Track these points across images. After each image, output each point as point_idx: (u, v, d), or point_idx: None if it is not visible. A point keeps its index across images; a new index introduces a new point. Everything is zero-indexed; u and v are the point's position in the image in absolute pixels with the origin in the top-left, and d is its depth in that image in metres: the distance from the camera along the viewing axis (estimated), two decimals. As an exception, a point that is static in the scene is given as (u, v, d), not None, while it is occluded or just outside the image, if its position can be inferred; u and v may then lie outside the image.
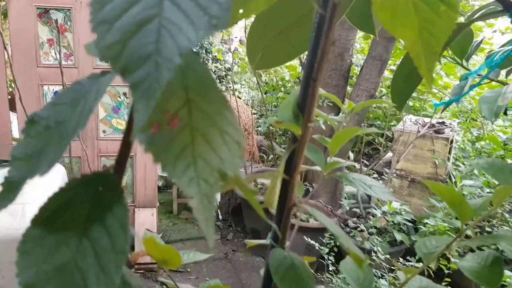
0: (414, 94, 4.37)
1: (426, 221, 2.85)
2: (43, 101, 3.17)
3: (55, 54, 3.09)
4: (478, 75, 1.31)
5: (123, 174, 0.30)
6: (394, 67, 4.49)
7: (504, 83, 1.27)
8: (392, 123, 4.69)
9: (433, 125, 3.77)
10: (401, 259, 2.52)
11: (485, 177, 3.53)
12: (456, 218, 2.93)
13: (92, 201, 0.27)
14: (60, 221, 0.27)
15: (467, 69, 1.30)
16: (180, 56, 0.21)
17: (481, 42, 1.32)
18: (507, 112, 1.43)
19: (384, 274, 2.35)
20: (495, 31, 4.62)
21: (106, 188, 0.27)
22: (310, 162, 0.64)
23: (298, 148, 0.41)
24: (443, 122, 3.83)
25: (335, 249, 2.93)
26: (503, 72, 1.40)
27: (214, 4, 0.21)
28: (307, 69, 0.40)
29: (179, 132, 0.25)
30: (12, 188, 0.26)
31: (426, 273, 2.05)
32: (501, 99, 1.16)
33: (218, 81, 6.45)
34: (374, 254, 2.66)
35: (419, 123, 3.87)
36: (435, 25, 0.33)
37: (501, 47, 1.41)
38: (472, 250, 2.58)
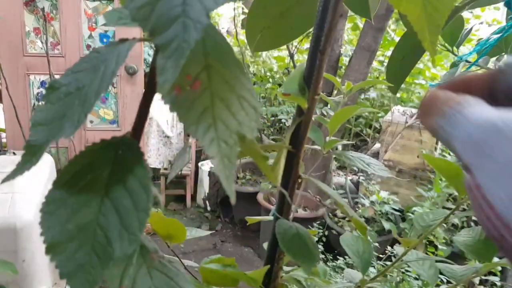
0: (402, 85, 4.40)
1: (414, 209, 2.89)
2: (30, 90, 3.14)
3: (42, 43, 3.06)
4: (467, 61, 1.34)
5: (140, 139, 0.30)
6: (382, 58, 4.52)
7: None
8: (380, 114, 4.73)
9: (420, 116, 3.78)
10: (389, 248, 2.55)
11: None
12: (444, 207, 2.97)
13: (112, 164, 0.28)
14: (82, 183, 0.27)
15: (456, 55, 1.32)
16: (207, 16, 0.21)
17: (471, 30, 1.34)
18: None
19: (373, 262, 2.38)
20: (481, 22, 4.67)
21: (125, 151, 0.28)
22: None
23: (305, 121, 0.42)
24: (430, 113, 3.86)
25: (324, 239, 2.97)
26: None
27: (240, -33, 0.22)
28: (313, 43, 0.41)
29: (200, 95, 0.26)
30: (35, 151, 0.27)
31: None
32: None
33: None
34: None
35: (407, 114, 3.91)
36: (439, -1, 0.34)
37: (491, 35, 1.43)
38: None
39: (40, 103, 3.21)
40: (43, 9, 3.01)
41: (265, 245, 0.49)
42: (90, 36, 3.15)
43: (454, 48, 1.31)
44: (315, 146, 0.58)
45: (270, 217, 0.50)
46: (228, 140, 0.25)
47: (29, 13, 3.02)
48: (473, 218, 2.87)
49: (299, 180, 0.45)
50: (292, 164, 0.44)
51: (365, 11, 0.80)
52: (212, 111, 0.26)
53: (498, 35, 1.32)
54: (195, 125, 0.25)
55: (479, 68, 1.30)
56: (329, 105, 4.20)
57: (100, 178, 0.27)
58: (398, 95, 4.80)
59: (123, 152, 0.28)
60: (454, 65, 1.36)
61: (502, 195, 0.25)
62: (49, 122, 0.28)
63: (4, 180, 0.27)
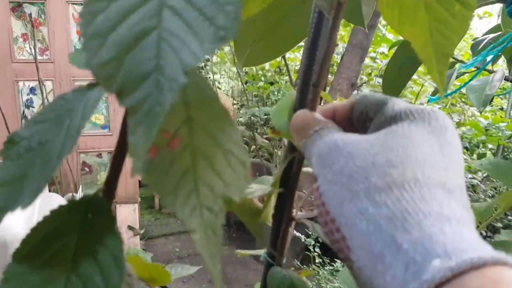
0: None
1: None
2: (19, 97, 3.08)
3: (30, 49, 3.00)
4: (462, 62, 1.31)
5: (113, 198, 0.27)
6: (374, 54, 4.49)
7: (490, 71, 1.27)
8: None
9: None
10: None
11: (466, 162, 3.53)
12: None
13: (80, 231, 0.24)
14: (45, 256, 0.24)
15: (453, 57, 1.29)
16: (185, 74, 0.18)
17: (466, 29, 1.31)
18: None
19: None
20: (473, 15, 4.65)
21: (95, 215, 0.25)
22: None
23: (298, 159, 0.38)
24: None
25: (320, 240, 2.93)
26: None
27: (221, 12, 0.18)
28: (304, 73, 0.37)
29: (179, 154, 0.22)
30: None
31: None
32: (488, 87, 1.16)
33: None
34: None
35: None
36: (448, 26, 0.31)
37: (484, 34, 1.41)
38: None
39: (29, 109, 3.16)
40: (30, 15, 2.95)
41: (257, 286, 0.45)
42: (79, 41, 3.10)
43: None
44: (308, 168, 0.54)
45: (260, 251, 0.46)
46: (213, 206, 0.22)
47: (16, 19, 2.96)
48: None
49: (292, 222, 0.41)
50: (284, 204, 0.41)
51: (359, 19, 0.76)
52: (194, 172, 0.22)
53: (492, 34, 1.30)
54: (172, 194, 0.21)
55: (476, 69, 1.27)
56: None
57: (66, 249, 0.24)
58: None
59: (93, 215, 0.24)
60: (450, 66, 1.33)
61: (334, 200, 0.29)
62: (7, 184, 0.24)
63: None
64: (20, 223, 1.88)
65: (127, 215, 3.48)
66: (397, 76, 0.67)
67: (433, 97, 1.09)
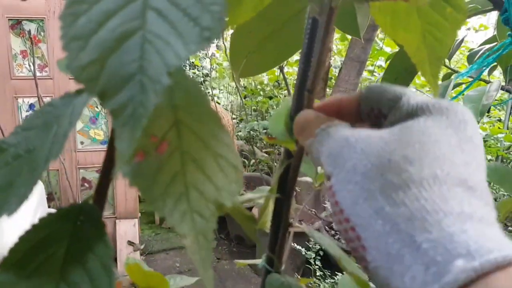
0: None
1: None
2: (18, 114, 3.08)
3: (29, 65, 3.01)
4: (455, 71, 1.31)
5: (104, 205, 0.26)
6: (371, 68, 4.51)
7: (487, 82, 1.27)
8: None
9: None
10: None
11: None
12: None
13: (70, 239, 0.24)
14: (34, 264, 0.23)
15: (450, 68, 1.30)
16: (169, 75, 0.17)
17: (462, 41, 1.32)
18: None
19: None
20: (469, 28, 4.69)
21: (85, 223, 0.24)
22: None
23: (294, 165, 0.38)
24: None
25: (321, 253, 2.92)
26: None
27: (206, 13, 0.18)
28: (300, 79, 0.37)
29: (168, 158, 0.22)
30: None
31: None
32: (485, 97, 1.16)
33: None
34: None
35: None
36: (441, 29, 0.31)
37: (481, 45, 1.41)
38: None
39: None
40: (29, 32, 2.96)
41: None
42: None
43: (446, 60, 1.28)
44: (307, 178, 0.54)
45: (259, 260, 0.46)
46: (204, 211, 0.21)
47: (15, 36, 2.98)
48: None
49: (290, 229, 0.41)
50: (281, 210, 0.40)
51: (355, 30, 0.76)
52: (184, 176, 0.22)
53: (488, 45, 1.30)
54: (161, 200, 0.21)
55: (471, 78, 1.28)
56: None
57: (55, 257, 0.23)
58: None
59: (82, 223, 0.24)
60: (447, 77, 1.33)
61: (348, 199, 0.28)
62: (-6, 192, 0.23)
63: None
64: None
65: (127, 230, 3.46)
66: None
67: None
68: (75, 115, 0.23)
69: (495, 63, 1.24)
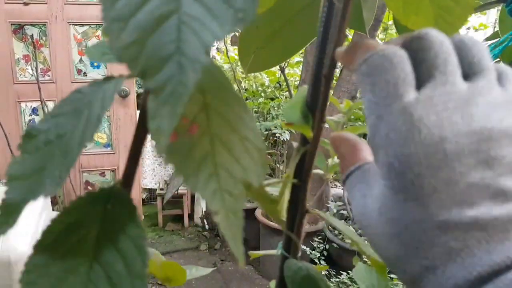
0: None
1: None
2: (21, 118, 3.09)
3: (32, 70, 3.02)
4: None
5: (132, 189, 0.27)
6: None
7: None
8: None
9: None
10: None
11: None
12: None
13: (101, 222, 0.24)
14: (67, 246, 0.24)
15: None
16: (206, 53, 0.18)
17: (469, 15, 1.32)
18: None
19: (377, 276, 2.33)
20: (469, 28, 4.70)
21: (116, 206, 0.25)
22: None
23: (310, 151, 0.39)
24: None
25: (325, 253, 2.92)
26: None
27: (238, -5, 0.19)
28: (316, 66, 0.38)
29: (198, 139, 0.22)
30: (11, 212, 0.23)
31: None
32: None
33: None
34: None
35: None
36: (452, 12, 0.31)
37: (483, 41, 1.42)
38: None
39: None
40: (32, 36, 2.98)
41: (272, 285, 0.45)
42: (81, 61, 3.13)
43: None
44: (317, 170, 0.54)
45: (273, 251, 0.47)
46: (233, 190, 0.22)
47: (18, 41, 2.99)
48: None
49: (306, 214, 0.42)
50: (298, 197, 0.41)
51: (360, 25, 0.77)
52: (213, 157, 0.23)
53: (490, 41, 1.31)
54: (194, 176, 0.21)
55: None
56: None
57: (87, 239, 0.24)
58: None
59: (113, 206, 0.25)
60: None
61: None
62: (26, 177, 0.24)
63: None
64: (24, 242, 1.88)
65: (130, 233, 3.47)
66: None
67: None
68: (107, 99, 0.24)
69: (498, 59, 1.24)
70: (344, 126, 0.66)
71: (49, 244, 0.24)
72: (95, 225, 0.24)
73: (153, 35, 0.19)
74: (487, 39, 1.36)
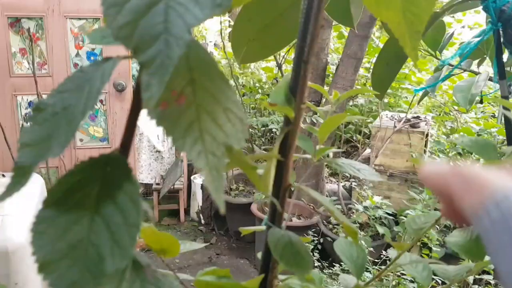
0: (389, 91, 4.45)
1: (407, 212, 2.92)
2: (18, 111, 3.12)
3: (28, 63, 3.05)
4: (450, 65, 1.36)
5: (129, 155, 0.31)
6: (368, 65, 4.56)
7: (475, 73, 1.31)
8: (368, 120, 4.76)
9: (408, 120, 3.84)
10: (384, 252, 2.55)
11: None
12: (435, 209, 2.99)
13: (101, 181, 0.28)
14: (71, 202, 0.27)
15: (440, 60, 1.34)
16: (189, 32, 0.22)
17: (452, 34, 1.36)
18: (482, 100, 1.48)
19: (368, 267, 2.38)
20: (463, 26, 4.74)
21: (114, 168, 0.28)
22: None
23: (292, 130, 0.42)
24: (418, 117, 3.91)
25: (319, 246, 2.97)
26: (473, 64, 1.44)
27: (218, -16, 0.23)
28: (297, 53, 0.42)
29: (185, 109, 0.26)
30: (24, 173, 0.27)
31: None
32: (474, 87, 1.20)
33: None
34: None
35: (395, 119, 3.94)
36: (418, 5, 0.35)
37: (473, 38, 1.46)
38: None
39: (27, 124, 3.18)
40: (28, 30, 3.00)
41: (259, 255, 0.49)
42: (77, 55, 3.15)
43: (437, 52, 1.33)
44: (306, 155, 0.58)
45: (263, 227, 0.50)
46: (216, 151, 0.26)
47: (14, 34, 3.01)
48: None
49: (291, 189, 0.45)
50: (282, 173, 0.45)
51: (348, 20, 0.81)
52: (199, 124, 0.26)
53: (479, 38, 1.35)
54: (182, 139, 0.25)
55: (462, 71, 1.32)
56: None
57: (89, 195, 0.28)
58: (386, 100, 4.84)
59: (112, 169, 0.28)
60: (438, 69, 1.38)
61: None
62: (36, 143, 0.28)
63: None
64: (22, 233, 1.91)
65: (126, 226, 3.50)
66: (385, 72, 0.72)
67: (417, 89, 1.14)
68: (106, 75, 0.27)
69: (485, 55, 1.28)
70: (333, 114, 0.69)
71: (56, 200, 0.28)
72: (96, 184, 0.28)
73: (144, 17, 0.22)
74: (476, 36, 1.40)
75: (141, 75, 0.24)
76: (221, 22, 4.87)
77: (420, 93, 1.47)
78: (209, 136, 0.26)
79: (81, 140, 3.29)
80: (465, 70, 1.34)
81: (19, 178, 0.27)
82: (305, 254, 0.43)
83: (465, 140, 0.56)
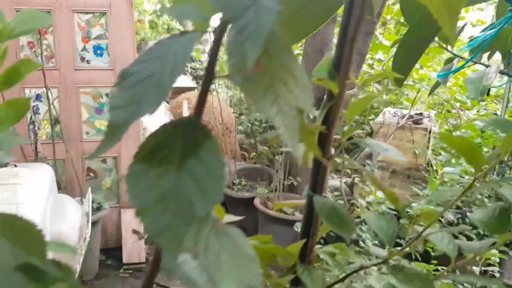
0: (390, 88, 4.49)
1: (413, 205, 2.96)
2: (26, 104, 3.14)
3: (36, 56, 3.08)
4: (461, 57, 1.40)
5: (201, 117, 0.34)
6: (371, 61, 4.60)
7: (486, 65, 1.35)
8: (370, 117, 4.80)
9: (411, 116, 3.87)
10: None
11: (461, 165, 3.69)
12: (438, 205, 3.02)
13: (183, 140, 0.32)
14: (158, 158, 0.31)
15: (452, 53, 1.38)
16: (278, 2, 0.25)
17: (464, 27, 1.40)
18: (489, 92, 1.52)
19: (372, 259, 2.42)
20: (466, 23, 4.77)
21: (193, 129, 0.32)
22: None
23: (336, 104, 0.46)
24: (421, 113, 3.94)
25: (321, 241, 3.00)
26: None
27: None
28: (342, 32, 0.45)
29: (262, 75, 0.30)
30: (117, 131, 0.30)
31: (413, 256, 2.13)
32: (485, 79, 1.24)
33: (195, 81, 6.49)
34: (362, 243, 2.75)
35: (398, 115, 3.97)
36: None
37: (482, 31, 1.50)
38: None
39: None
40: (38, 23, 3.02)
41: (298, 225, 0.53)
42: (84, 49, 3.18)
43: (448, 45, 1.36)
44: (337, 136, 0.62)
45: (301, 201, 0.54)
46: (290, 112, 0.29)
47: (23, 27, 3.03)
48: (468, 214, 2.92)
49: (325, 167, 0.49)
50: (324, 144, 0.48)
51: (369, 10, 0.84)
52: (274, 88, 0.30)
53: (491, 31, 1.38)
54: (262, 100, 0.29)
55: (472, 63, 1.36)
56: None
57: (174, 152, 0.31)
58: (386, 96, 4.87)
59: (192, 130, 0.32)
60: (450, 61, 1.41)
61: None
62: (125, 106, 0.31)
63: (91, 156, 0.30)
64: (35, 221, 1.94)
65: (131, 219, 3.54)
66: (406, 59, 0.75)
67: (440, 73, 1.18)
68: (188, 46, 0.31)
69: (495, 49, 1.32)
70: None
71: (144, 156, 0.31)
72: (179, 143, 0.31)
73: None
74: (487, 29, 1.44)
75: (228, 43, 0.27)
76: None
77: (422, 90, 1.50)
78: (283, 99, 0.30)
79: (87, 133, 3.32)
80: (475, 63, 1.38)
81: (112, 135, 0.30)
82: (348, 219, 0.47)
83: (488, 120, 0.60)
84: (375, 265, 0.57)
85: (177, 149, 0.31)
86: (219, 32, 0.29)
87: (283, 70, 0.31)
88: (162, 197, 0.29)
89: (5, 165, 2.05)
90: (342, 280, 0.57)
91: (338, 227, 0.46)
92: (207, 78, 0.33)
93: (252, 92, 0.29)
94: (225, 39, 0.30)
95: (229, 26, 0.26)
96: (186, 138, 0.32)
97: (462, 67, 1.15)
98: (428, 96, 4.03)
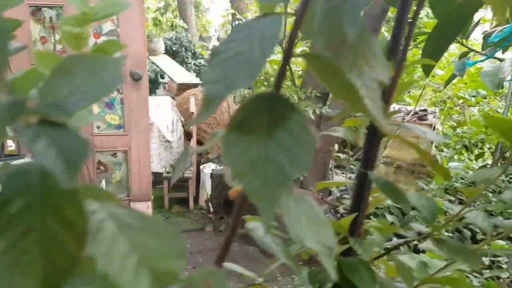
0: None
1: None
2: (36, 98, 3.17)
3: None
4: (476, 51, 1.43)
5: (280, 89, 0.37)
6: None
7: (500, 59, 1.39)
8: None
9: (416, 113, 3.91)
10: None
11: (463, 161, 3.73)
12: (445, 200, 3.06)
13: (269, 112, 0.34)
14: (247, 128, 0.34)
15: (467, 47, 1.41)
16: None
17: (478, 22, 1.43)
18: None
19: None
20: (479, 20, 4.80)
21: (277, 103, 0.35)
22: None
23: (391, 86, 0.49)
24: (425, 109, 3.97)
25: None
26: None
27: None
28: (399, 14, 0.48)
29: (348, 52, 0.33)
30: (212, 103, 0.33)
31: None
32: (501, 72, 1.27)
33: (200, 77, 6.53)
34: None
35: (403, 111, 4.00)
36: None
37: (494, 27, 1.53)
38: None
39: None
40: (51, 18, 3.06)
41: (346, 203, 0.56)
42: (95, 44, 3.21)
43: (464, 39, 1.39)
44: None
45: (344, 181, 0.57)
46: (372, 85, 0.33)
47: (35, 23, 3.07)
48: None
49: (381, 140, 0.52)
50: (376, 126, 0.51)
51: (393, 0, 0.87)
52: (357, 65, 0.33)
53: (501, 27, 1.42)
54: (351, 73, 0.32)
55: (487, 57, 1.39)
56: (327, 106, 4.30)
57: (261, 123, 0.34)
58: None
59: (275, 103, 0.35)
60: (464, 55, 1.45)
61: None
62: (216, 81, 0.34)
63: (193, 122, 0.33)
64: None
65: (141, 212, 3.57)
66: (437, 45, 0.79)
67: (470, 62, 1.21)
68: (275, 25, 0.34)
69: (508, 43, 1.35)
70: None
71: (234, 126, 0.34)
72: (266, 114, 0.34)
73: None
74: (496, 25, 1.47)
75: (321, 16, 0.30)
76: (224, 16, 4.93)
77: (428, 85, 1.53)
78: (366, 75, 0.33)
79: (98, 127, 3.35)
80: (489, 57, 1.41)
81: (208, 106, 0.33)
82: (401, 192, 0.50)
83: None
84: (420, 239, 0.60)
85: (264, 121, 0.34)
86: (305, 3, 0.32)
87: (364, 47, 0.34)
88: (253, 164, 0.32)
89: (22, 156, 2.08)
90: (388, 252, 0.61)
91: (393, 197, 0.49)
92: (287, 49, 0.36)
93: (342, 64, 0.32)
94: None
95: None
96: (272, 109, 0.35)
97: (482, 60, 1.18)
98: (444, 87, 4.05)
